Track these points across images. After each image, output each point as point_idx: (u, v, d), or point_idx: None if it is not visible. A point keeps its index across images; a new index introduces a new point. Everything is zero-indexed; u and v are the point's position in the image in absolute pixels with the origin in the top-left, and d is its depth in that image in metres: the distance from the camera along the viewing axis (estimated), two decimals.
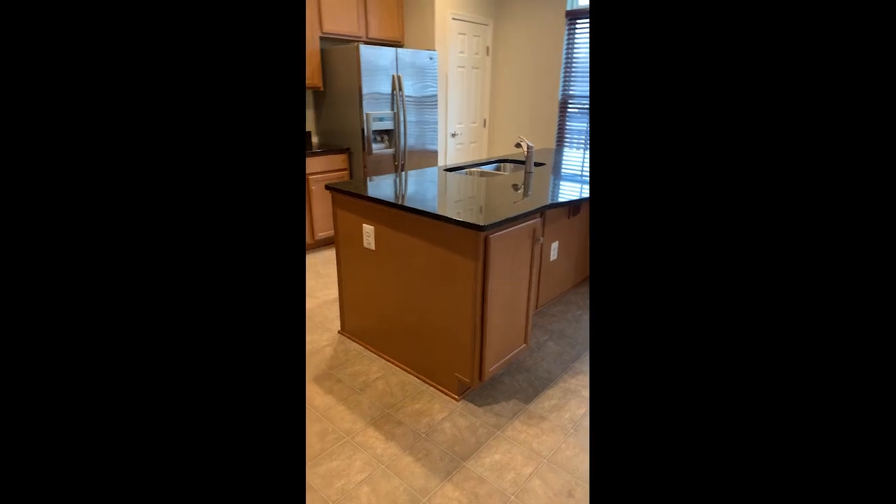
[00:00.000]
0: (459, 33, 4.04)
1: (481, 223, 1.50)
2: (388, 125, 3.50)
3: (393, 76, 3.43)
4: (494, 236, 1.56)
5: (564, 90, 4.13)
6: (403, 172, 2.42)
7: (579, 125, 4.12)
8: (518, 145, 2.57)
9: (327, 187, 2.05)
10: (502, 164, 2.96)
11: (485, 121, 4.65)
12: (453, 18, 3.92)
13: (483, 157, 4.77)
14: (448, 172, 2.45)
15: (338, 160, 3.43)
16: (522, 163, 2.90)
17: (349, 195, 1.95)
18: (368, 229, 1.93)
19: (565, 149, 4.26)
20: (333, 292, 2.75)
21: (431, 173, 2.42)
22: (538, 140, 4.39)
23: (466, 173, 2.71)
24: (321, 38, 3.54)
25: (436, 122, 3.83)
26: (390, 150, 3.59)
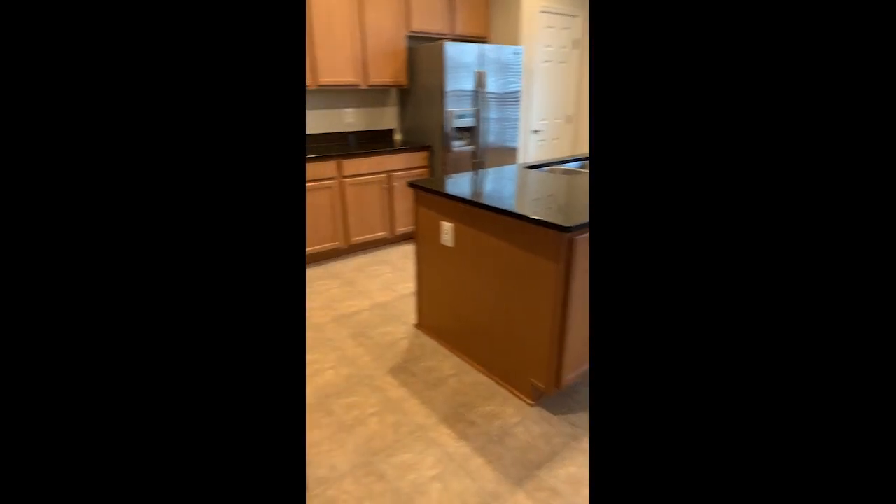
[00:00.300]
0: (547, 27, 3.92)
1: (566, 224, 1.43)
2: (469, 122, 3.50)
3: (476, 73, 3.41)
4: (580, 238, 1.48)
5: None
6: (484, 169, 2.40)
7: None
8: None
9: (410, 184, 2.09)
10: (588, 163, 2.83)
11: (569, 117, 4.47)
12: (542, 12, 3.81)
13: (566, 154, 4.61)
14: (529, 170, 2.38)
15: (419, 157, 3.50)
16: None
17: (429, 192, 1.97)
18: (447, 226, 1.93)
19: None
20: (411, 286, 2.81)
21: (511, 171, 2.37)
22: None
23: (549, 171, 2.62)
24: (408, 37, 3.62)
25: (517, 119, 3.76)
26: (470, 148, 3.59)
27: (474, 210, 1.79)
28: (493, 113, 3.61)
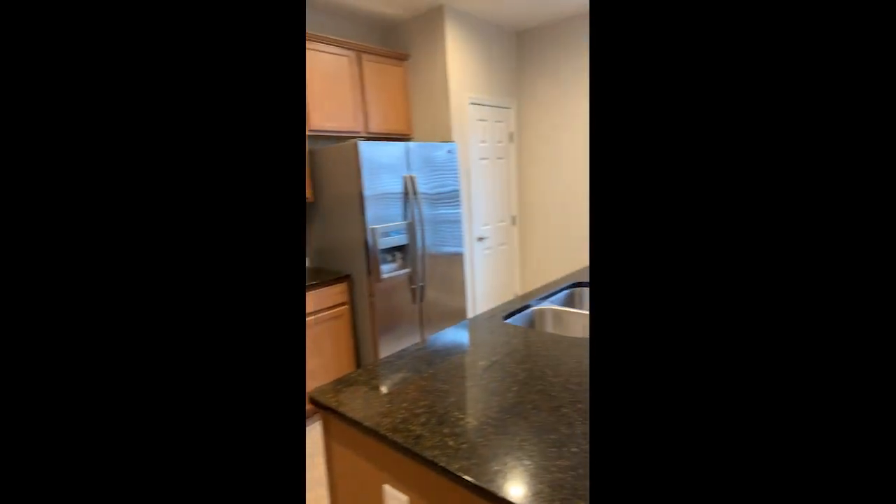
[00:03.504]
0: (479, 120, 3.34)
1: None
2: (400, 239, 2.62)
3: (404, 178, 2.61)
4: None
5: None
6: (439, 333, 1.45)
7: None
8: None
9: (312, 401, 1.06)
10: (576, 291, 2.02)
11: (514, 218, 3.82)
12: (472, 103, 3.23)
13: (515, 261, 3.88)
14: (508, 322, 1.49)
15: (335, 293, 2.50)
16: None
17: (351, 424, 0.96)
18: (397, 499, 0.91)
19: None
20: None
21: (484, 337, 1.45)
22: (581, 240, 3.52)
23: (533, 314, 1.75)
24: (308, 137, 2.79)
25: (459, 222, 2.97)
26: (405, 272, 2.67)
27: (452, 484, 0.81)
28: (429, 223, 2.78)
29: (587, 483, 0.72)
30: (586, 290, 2.01)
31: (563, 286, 1.98)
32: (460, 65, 3.10)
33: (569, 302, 2.00)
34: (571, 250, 3.60)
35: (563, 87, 3.43)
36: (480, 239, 3.45)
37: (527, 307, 1.75)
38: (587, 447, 0.82)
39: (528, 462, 0.78)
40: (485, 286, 3.55)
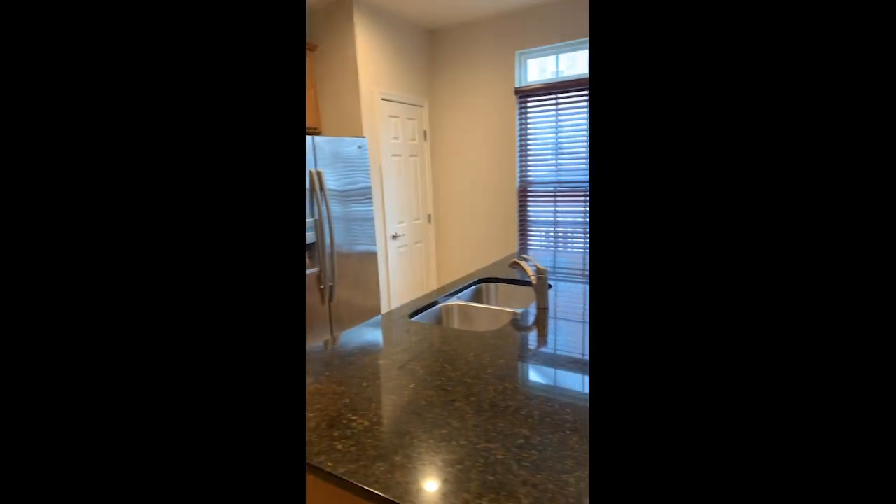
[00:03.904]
0: (391, 116, 3.30)
1: None
2: (306, 238, 2.50)
3: (310, 173, 2.50)
4: None
5: (522, 176, 3.49)
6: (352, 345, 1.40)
7: (545, 214, 3.44)
8: (514, 265, 1.70)
9: None
10: (482, 286, 2.07)
11: (429, 216, 3.83)
12: (383, 99, 3.18)
13: (431, 259, 3.90)
14: (414, 320, 1.48)
15: None
16: (513, 282, 2.02)
17: None
18: None
19: (531, 249, 3.53)
20: None
21: (387, 336, 1.43)
22: (497, 237, 3.64)
23: (440, 311, 1.76)
24: None
25: (371, 219, 2.91)
26: (313, 271, 2.56)
27: None
28: (339, 217, 2.70)
29: (474, 475, 0.73)
30: (493, 285, 2.07)
31: (470, 282, 2.01)
32: (370, 58, 3.04)
33: (476, 297, 2.04)
34: (488, 248, 3.70)
35: (476, 88, 3.50)
36: (395, 237, 3.41)
37: (434, 304, 1.75)
38: (476, 440, 0.83)
39: (415, 459, 0.77)
40: (401, 285, 3.52)
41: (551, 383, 1.03)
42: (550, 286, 1.90)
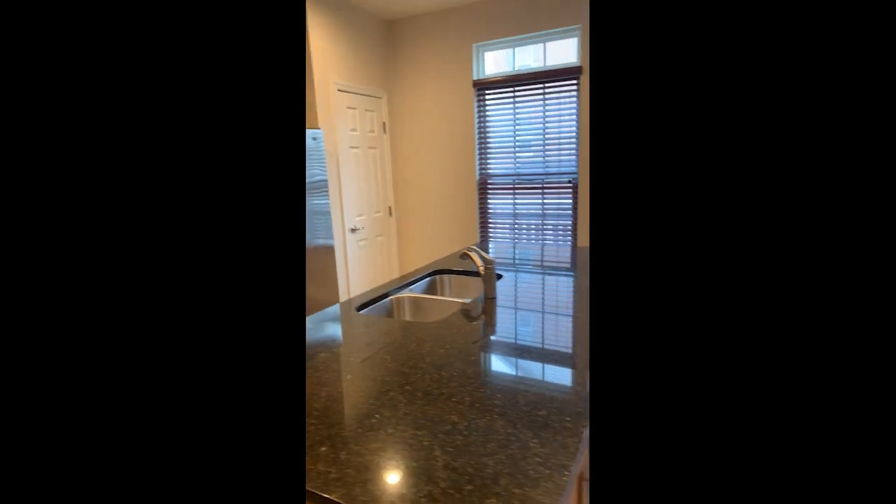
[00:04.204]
0: (348, 107, 3.25)
1: None
2: None
3: None
4: None
5: (482, 168, 3.51)
6: None
7: (504, 207, 3.48)
8: (464, 256, 1.71)
9: None
10: (437, 278, 2.07)
11: (390, 209, 3.81)
12: (339, 90, 3.13)
13: (393, 252, 3.88)
14: (363, 314, 1.48)
15: None
16: (467, 273, 2.04)
17: None
18: None
19: (493, 241, 3.57)
20: None
21: (329, 330, 1.42)
22: (458, 229, 3.65)
23: (391, 303, 1.75)
24: None
25: (327, 213, 2.87)
26: None
27: None
28: None
29: (396, 463, 0.73)
30: (447, 277, 2.08)
31: (424, 274, 2.02)
32: (325, 47, 2.98)
33: (431, 289, 2.05)
34: (450, 240, 3.71)
35: (435, 80, 3.49)
36: (354, 230, 3.38)
37: (385, 296, 1.75)
38: (404, 428, 0.83)
39: (340, 449, 0.77)
40: (362, 278, 3.49)
41: (487, 370, 1.05)
42: (501, 276, 1.92)
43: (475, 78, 3.36)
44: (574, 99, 3.04)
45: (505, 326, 1.34)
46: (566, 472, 0.70)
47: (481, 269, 1.64)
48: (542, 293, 1.67)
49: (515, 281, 1.84)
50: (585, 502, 0.90)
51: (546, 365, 1.07)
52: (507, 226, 3.50)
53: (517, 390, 0.95)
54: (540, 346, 1.18)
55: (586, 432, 0.80)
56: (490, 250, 2.48)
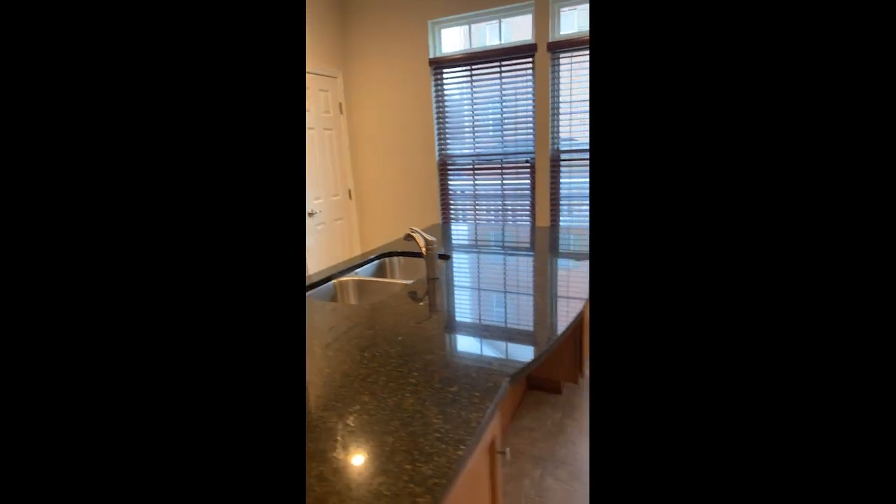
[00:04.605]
0: None
1: None
2: None
3: None
4: None
5: (441, 149, 3.48)
6: None
7: (465, 188, 3.47)
8: (408, 237, 1.70)
9: None
10: (386, 260, 2.06)
11: (350, 191, 3.75)
12: None
13: (354, 236, 3.84)
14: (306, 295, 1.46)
15: None
16: (416, 255, 2.03)
17: None
18: None
19: (456, 222, 3.57)
20: None
21: None
22: (420, 211, 3.63)
23: (334, 287, 1.74)
24: None
25: None
26: None
27: None
28: None
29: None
30: (396, 259, 2.07)
31: (372, 257, 2.00)
32: None
33: (380, 271, 2.04)
34: (411, 222, 3.69)
35: (391, 59, 3.41)
36: (311, 214, 3.32)
37: (328, 279, 1.73)
38: (314, 411, 0.83)
39: None
40: (321, 263, 3.45)
41: (411, 350, 1.06)
42: (449, 257, 1.93)
43: (431, 56, 3.29)
44: (529, 77, 3.02)
45: (447, 307, 1.34)
46: (462, 447, 0.71)
47: (423, 250, 1.64)
48: (504, 273, 1.69)
49: (470, 262, 1.85)
50: (498, 472, 0.93)
51: (474, 341, 1.08)
52: (469, 206, 3.51)
53: (434, 369, 0.96)
54: (476, 323, 1.19)
55: (493, 406, 0.82)
56: (451, 232, 2.48)
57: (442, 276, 1.66)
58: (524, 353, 1.01)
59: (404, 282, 1.69)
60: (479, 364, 0.97)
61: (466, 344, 1.08)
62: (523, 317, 1.24)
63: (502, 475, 1.14)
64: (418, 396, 0.86)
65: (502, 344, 1.07)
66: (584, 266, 1.69)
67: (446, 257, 1.94)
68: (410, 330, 1.17)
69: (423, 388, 0.89)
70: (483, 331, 1.15)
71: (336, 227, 3.61)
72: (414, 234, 1.68)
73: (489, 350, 1.04)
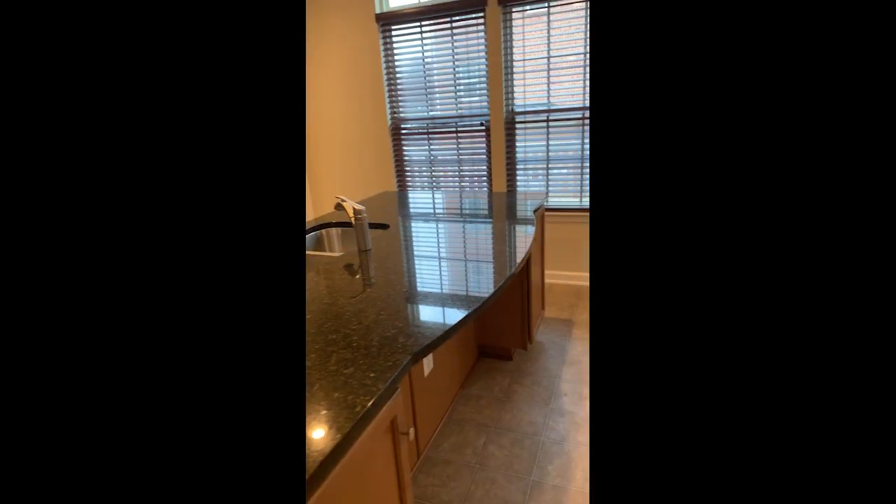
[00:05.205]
0: None
1: None
2: None
3: None
4: None
5: (393, 112, 3.32)
6: None
7: (419, 153, 3.35)
8: (339, 207, 1.61)
9: None
10: (324, 232, 1.97)
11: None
12: None
13: (308, 207, 3.69)
14: None
15: None
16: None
17: None
18: None
19: (410, 190, 3.45)
20: None
21: None
22: (374, 178, 3.50)
23: None
24: None
25: None
26: None
27: None
28: None
29: None
30: (335, 230, 1.98)
31: (308, 228, 1.90)
32: None
33: (318, 244, 1.95)
34: (366, 191, 3.57)
35: (337, 16, 3.18)
36: None
37: None
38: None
39: None
40: None
41: (319, 330, 0.99)
42: (388, 226, 1.85)
43: (378, 11, 3.09)
44: (482, 34, 2.87)
45: (379, 280, 1.27)
46: (338, 434, 0.66)
47: (352, 219, 1.55)
48: (442, 241, 1.62)
49: (410, 231, 1.77)
50: (403, 453, 0.89)
51: (390, 318, 1.02)
52: (425, 173, 3.39)
53: (334, 349, 0.90)
54: (400, 297, 1.13)
55: (385, 386, 0.77)
56: (409, 199, 2.38)
57: (373, 246, 1.58)
58: (435, 330, 0.96)
59: (331, 254, 1.60)
60: (386, 341, 0.92)
61: (383, 319, 1.02)
62: (456, 285, 1.18)
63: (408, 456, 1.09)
64: (308, 381, 0.80)
65: (423, 317, 1.01)
66: (525, 230, 1.64)
67: (384, 227, 1.85)
68: (325, 304, 1.10)
69: (317, 371, 0.83)
70: (408, 302, 1.09)
71: None
72: (344, 203, 1.58)
73: (402, 324, 0.98)
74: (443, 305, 1.07)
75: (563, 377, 2.05)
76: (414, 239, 1.65)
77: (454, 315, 1.02)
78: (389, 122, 3.32)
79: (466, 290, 1.16)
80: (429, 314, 1.03)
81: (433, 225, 1.83)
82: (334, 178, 3.63)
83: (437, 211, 2.06)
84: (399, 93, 3.26)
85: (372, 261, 1.44)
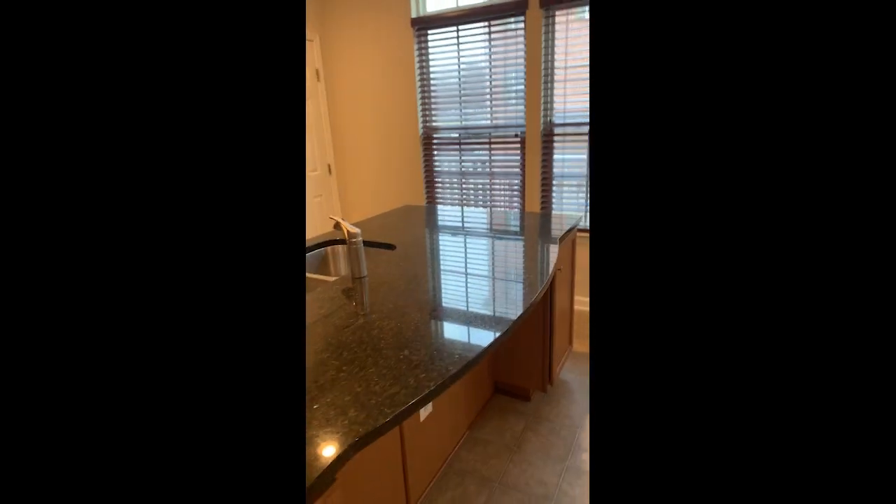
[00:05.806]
0: None
1: None
2: None
3: None
4: None
5: (425, 121, 3.18)
6: None
7: (450, 165, 3.18)
8: (338, 227, 1.46)
9: None
10: (330, 249, 1.83)
11: (329, 167, 3.51)
12: None
13: (336, 214, 3.62)
14: None
15: None
16: (366, 243, 1.80)
17: None
18: None
19: (440, 203, 3.29)
20: None
21: None
22: (402, 189, 3.37)
23: None
24: None
25: None
26: None
27: None
28: None
29: None
30: (340, 248, 1.84)
31: (311, 245, 1.77)
32: None
33: (322, 264, 1.81)
34: (396, 201, 3.44)
35: (373, 19, 3.09)
36: None
37: None
38: None
39: None
40: None
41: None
42: (394, 247, 1.68)
43: (414, 15, 2.95)
44: (521, 40, 2.67)
45: (373, 310, 1.11)
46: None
47: (345, 233, 1.39)
48: (443, 267, 1.44)
49: (407, 255, 1.60)
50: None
51: (380, 358, 0.85)
52: (455, 185, 3.22)
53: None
54: (391, 338, 0.96)
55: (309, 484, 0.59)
56: (436, 213, 2.22)
57: (374, 272, 1.42)
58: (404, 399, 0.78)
59: (325, 278, 1.46)
60: (346, 406, 0.74)
61: (371, 358, 0.85)
62: (453, 332, 0.99)
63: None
64: None
65: (418, 368, 0.83)
66: (553, 251, 1.42)
67: (390, 247, 1.69)
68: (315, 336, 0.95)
69: None
70: (394, 344, 0.91)
71: (314, 205, 3.40)
72: (342, 223, 1.44)
73: (400, 368, 0.80)
74: (431, 358, 0.89)
75: (586, 428, 1.80)
76: (418, 265, 1.48)
77: (430, 379, 0.83)
78: (421, 130, 3.18)
79: (468, 337, 0.97)
80: (407, 369, 0.85)
81: (444, 247, 1.65)
82: (368, 186, 3.53)
83: (454, 227, 1.88)
84: (432, 100, 3.11)
85: (366, 291, 1.28)
